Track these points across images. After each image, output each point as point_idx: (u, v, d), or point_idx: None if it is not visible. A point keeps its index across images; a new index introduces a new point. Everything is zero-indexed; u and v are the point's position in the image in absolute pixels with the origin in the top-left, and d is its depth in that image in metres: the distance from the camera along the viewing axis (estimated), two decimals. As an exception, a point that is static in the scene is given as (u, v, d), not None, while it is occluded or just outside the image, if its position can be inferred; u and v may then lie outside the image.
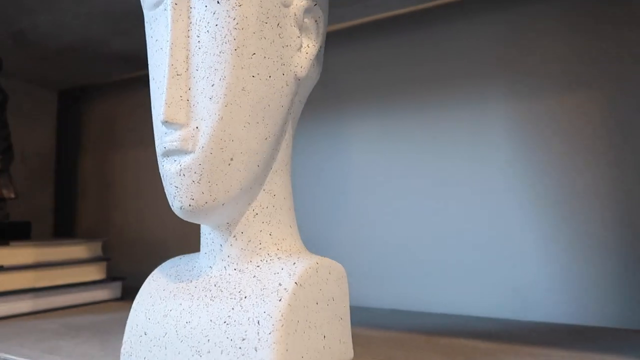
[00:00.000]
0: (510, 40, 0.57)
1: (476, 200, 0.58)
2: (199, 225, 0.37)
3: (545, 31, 0.55)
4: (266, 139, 0.34)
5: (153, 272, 0.39)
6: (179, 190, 0.32)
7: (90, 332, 0.47)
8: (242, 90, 0.32)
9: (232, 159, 0.32)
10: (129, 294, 0.68)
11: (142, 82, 0.89)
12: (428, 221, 0.61)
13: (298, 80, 0.35)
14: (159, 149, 0.33)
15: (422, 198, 0.61)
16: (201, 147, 0.31)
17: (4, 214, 0.65)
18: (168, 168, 0.32)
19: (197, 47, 0.32)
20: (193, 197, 0.32)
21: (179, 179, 0.32)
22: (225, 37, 0.31)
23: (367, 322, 0.52)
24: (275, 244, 0.35)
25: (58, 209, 0.96)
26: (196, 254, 0.40)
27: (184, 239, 0.82)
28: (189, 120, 0.32)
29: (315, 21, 0.36)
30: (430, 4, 0.58)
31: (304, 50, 0.35)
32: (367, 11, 0.59)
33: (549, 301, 0.53)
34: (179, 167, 0.32)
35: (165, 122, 0.31)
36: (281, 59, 0.34)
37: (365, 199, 0.65)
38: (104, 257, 0.66)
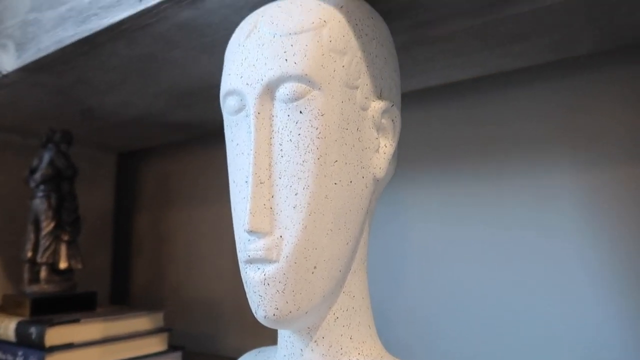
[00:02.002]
0: (575, 107, 0.56)
1: (543, 270, 0.55)
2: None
3: (609, 99, 0.54)
4: (347, 243, 0.33)
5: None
6: (262, 299, 0.32)
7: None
8: (325, 198, 0.32)
9: (315, 267, 0.32)
10: (188, 362, 0.69)
11: (196, 143, 0.92)
12: (492, 292, 0.58)
13: (377, 180, 0.35)
14: (241, 255, 0.33)
15: (486, 268, 0.59)
16: (285, 257, 0.31)
17: (72, 284, 0.67)
18: (252, 276, 0.32)
19: (280, 155, 0.32)
20: (277, 307, 0.32)
21: (263, 288, 0.32)
22: (308, 147, 0.32)
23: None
24: (356, 347, 0.35)
25: (115, 267, 0.98)
26: (272, 349, 0.40)
27: (238, 298, 0.82)
28: (272, 229, 0.32)
29: (392, 121, 0.36)
30: (493, 72, 0.57)
31: (382, 151, 0.35)
32: (429, 81, 0.59)
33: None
34: (264, 277, 0.32)
35: (250, 232, 0.32)
36: (361, 162, 0.34)
37: (425, 267, 0.63)
38: (166, 328, 0.67)
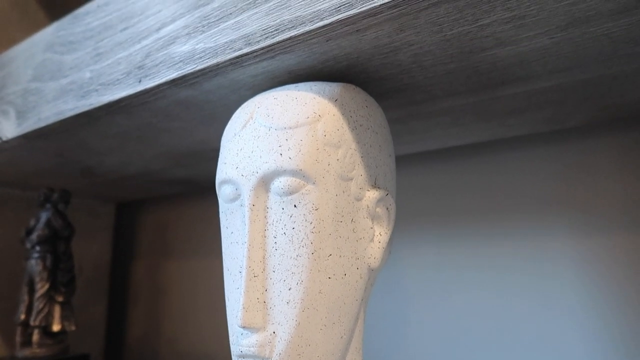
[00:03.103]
0: (570, 173, 0.56)
1: (539, 335, 0.55)
2: None
3: (603, 167, 0.54)
4: (342, 337, 0.33)
5: None
6: (255, 396, 0.31)
7: None
8: (319, 293, 0.32)
9: (309, 364, 0.31)
10: None
11: (194, 194, 0.92)
12: (488, 357, 0.57)
13: (371, 270, 0.35)
14: (234, 349, 0.33)
15: (483, 339, 0.58)
16: (278, 354, 0.31)
17: (64, 347, 0.66)
18: (244, 372, 0.32)
19: (274, 247, 0.32)
20: (270, 405, 0.31)
21: (256, 385, 0.31)
22: (302, 241, 0.32)
23: None
24: None
25: (110, 318, 0.97)
26: None
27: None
28: (265, 324, 0.32)
29: (387, 209, 0.36)
30: (488, 140, 0.58)
31: (377, 240, 0.35)
32: (425, 147, 0.60)
33: None
34: (256, 374, 0.31)
35: (243, 327, 0.31)
36: (355, 253, 0.34)
37: (422, 334, 0.62)
38: (159, 392, 0.65)
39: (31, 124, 0.53)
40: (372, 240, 0.35)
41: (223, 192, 0.35)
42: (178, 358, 0.88)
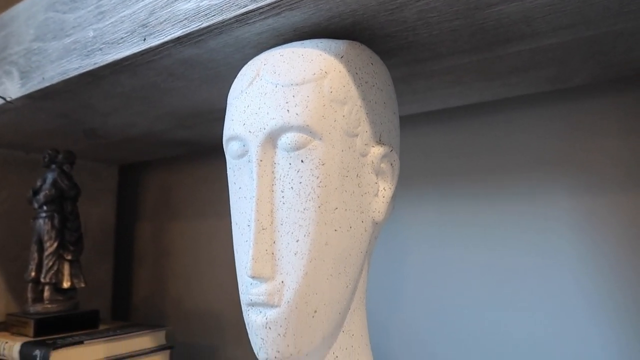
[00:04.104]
0: (571, 133, 0.57)
1: (540, 292, 0.56)
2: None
3: (605, 126, 0.55)
4: (347, 286, 0.34)
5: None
6: (264, 342, 0.33)
7: None
8: (325, 245, 0.33)
9: (315, 312, 0.33)
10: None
11: (198, 156, 0.93)
12: (489, 316, 0.59)
13: (376, 224, 0.36)
14: (244, 298, 0.34)
15: (482, 290, 0.60)
16: (287, 302, 0.32)
17: (75, 303, 0.67)
18: (254, 319, 0.33)
19: (282, 202, 0.33)
20: (279, 350, 0.33)
21: (265, 331, 0.33)
22: (309, 195, 0.33)
23: None
24: (355, 386, 0.36)
25: (116, 280, 0.99)
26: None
27: (239, 310, 0.83)
28: (274, 274, 0.33)
29: (391, 164, 0.37)
30: (491, 99, 0.58)
31: (381, 195, 0.36)
32: (428, 107, 0.60)
33: (627, 410, 0.51)
34: (265, 320, 0.33)
35: (253, 277, 0.33)
36: (360, 207, 0.35)
37: (421, 290, 0.64)
38: (168, 346, 0.68)
39: (35, 84, 0.53)
40: (376, 195, 0.36)
41: (231, 148, 0.36)
42: (184, 317, 0.91)
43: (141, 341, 0.65)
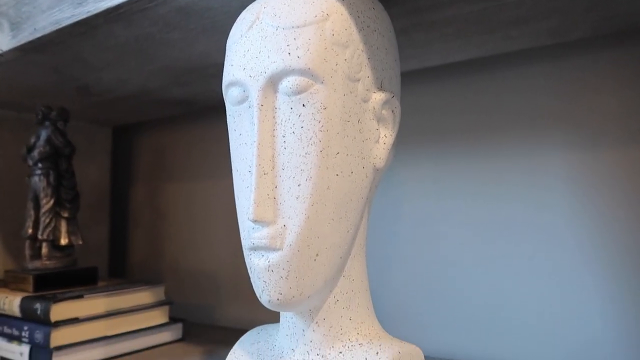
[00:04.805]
0: (569, 88, 0.57)
1: (536, 249, 0.58)
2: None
3: (603, 81, 0.55)
4: (348, 231, 0.35)
5: (234, 348, 0.41)
6: (267, 284, 0.33)
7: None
8: (327, 189, 0.33)
9: (317, 255, 0.33)
10: (188, 334, 0.71)
11: (192, 117, 0.92)
12: (485, 270, 0.61)
13: (377, 170, 0.36)
14: (246, 242, 0.35)
15: (478, 246, 0.61)
16: (289, 245, 0.33)
17: (73, 260, 0.68)
18: (256, 263, 0.34)
19: (283, 146, 0.33)
20: (281, 292, 0.33)
21: (268, 274, 0.33)
22: (310, 139, 0.33)
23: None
24: (355, 328, 0.36)
25: (112, 241, 1.00)
26: (274, 327, 0.42)
27: (236, 268, 0.84)
28: (276, 218, 0.33)
29: (392, 111, 0.36)
30: (490, 54, 0.58)
31: (382, 141, 0.36)
32: (427, 62, 0.60)
33: (614, 358, 0.53)
34: (268, 263, 0.33)
35: (255, 221, 0.33)
36: (361, 153, 0.35)
37: (418, 245, 0.65)
38: (167, 301, 0.69)
39: (27, 35, 0.51)
40: (377, 141, 0.36)
41: (230, 94, 0.36)
42: (180, 276, 0.92)
43: (141, 296, 0.66)
